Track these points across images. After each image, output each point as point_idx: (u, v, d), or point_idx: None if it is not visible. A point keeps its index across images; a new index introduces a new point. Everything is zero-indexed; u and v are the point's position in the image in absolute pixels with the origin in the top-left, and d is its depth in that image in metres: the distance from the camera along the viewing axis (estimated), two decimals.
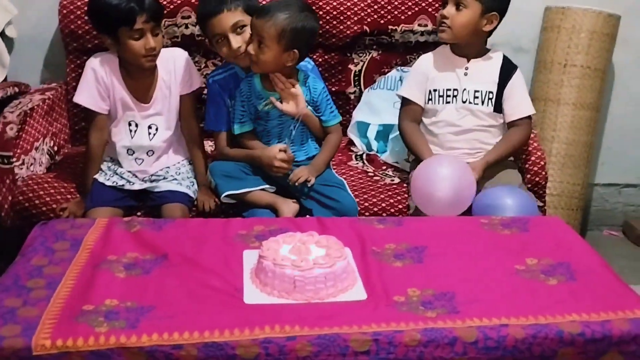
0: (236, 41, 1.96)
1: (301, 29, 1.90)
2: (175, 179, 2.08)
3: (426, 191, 1.90)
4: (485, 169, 2.04)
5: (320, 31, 2.34)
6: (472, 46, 2.11)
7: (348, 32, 2.50)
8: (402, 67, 2.54)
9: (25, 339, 1.19)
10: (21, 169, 2.11)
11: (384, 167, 2.35)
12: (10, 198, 2.08)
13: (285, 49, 1.90)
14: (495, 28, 2.09)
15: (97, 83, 2.02)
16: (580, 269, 1.50)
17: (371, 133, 2.47)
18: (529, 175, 2.21)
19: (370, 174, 2.30)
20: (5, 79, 2.47)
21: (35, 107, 2.24)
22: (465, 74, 2.11)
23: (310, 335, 1.24)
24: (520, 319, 1.31)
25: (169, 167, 2.13)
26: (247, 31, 1.97)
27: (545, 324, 1.29)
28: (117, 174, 2.08)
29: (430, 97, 2.13)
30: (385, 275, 1.46)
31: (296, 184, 1.94)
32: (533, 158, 2.22)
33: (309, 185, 1.95)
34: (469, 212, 1.95)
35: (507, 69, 2.12)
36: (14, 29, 2.53)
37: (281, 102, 1.98)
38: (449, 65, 2.13)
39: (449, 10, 2.04)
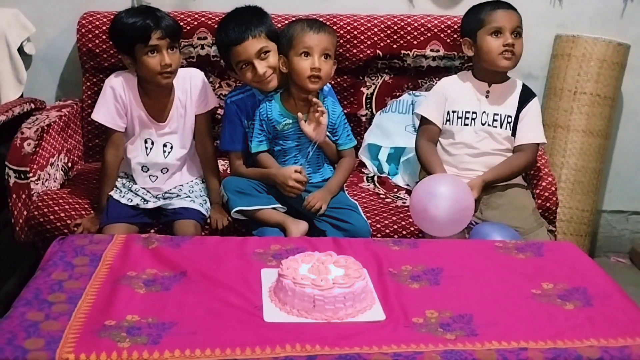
0: (262, 66, 1.99)
1: None
2: (189, 197, 2.10)
3: (422, 209, 1.91)
4: (484, 187, 2.06)
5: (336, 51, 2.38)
6: (499, 72, 2.15)
7: (361, 55, 2.53)
8: (413, 91, 2.57)
9: (49, 352, 1.20)
10: (37, 184, 2.13)
11: (395, 190, 2.37)
12: (25, 213, 2.09)
13: (334, 59, 1.99)
14: None
15: (116, 101, 2.05)
16: (596, 294, 1.51)
17: (382, 155, 2.50)
18: (539, 201, 2.22)
19: (381, 196, 2.31)
20: (21, 95, 2.50)
21: (52, 123, 2.26)
22: (487, 97, 2.15)
23: (331, 354, 1.25)
24: (539, 342, 1.31)
25: (182, 185, 2.15)
26: (271, 56, 2.00)
27: (564, 348, 1.30)
28: (131, 190, 2.10)
29: (448, 118, 2.16)
30: (402, 296, 1.47)
31: (311, 210, 1.95)
32: (544, 184, 2.24)
33: (320, 213, 1.96)
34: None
35: (526, 95, 2.17)
36: (32, 46, 2.56)
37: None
38: (470, 89, 2.17)
39: (513, 39, 2.08)
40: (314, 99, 1.97)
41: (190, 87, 2.12)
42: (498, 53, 2.08)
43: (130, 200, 2.06)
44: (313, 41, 1.93)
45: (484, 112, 2.13)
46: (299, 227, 1.94)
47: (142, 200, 2.08)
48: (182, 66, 2.42)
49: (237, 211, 1.98)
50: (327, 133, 2.04)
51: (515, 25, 2.09)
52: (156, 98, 2.08)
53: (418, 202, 1.93)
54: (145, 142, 2.11)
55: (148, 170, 2.12)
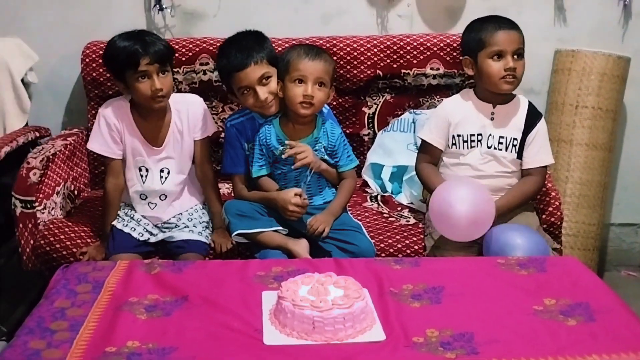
0: (263, 92, 2.01)
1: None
2: (187, 226, 2.10)
3: (444, 208, 1.89)
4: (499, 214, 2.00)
5: (335, 75, 2.40)
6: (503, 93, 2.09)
7: (361, 76, 2.55)
8: (414, 110, 2.58)
9: None
10: (43, 213, 2.15)
11: (399, 208, 2.37)
12: (32, 242, 2.12)
13: (331, 86, 2.01)
14: None
15: (109, 129, 2.06)
16: (599, 309, 1.49)
17: (385, 174, 2.50)
18: (544, 216, 2.21)
19: (385, 215, 2.31)
20: (26, 124, 2.53)
21: (58, 152, 2.30)
22: (492, 119, 2.10)
23: None
24: (540, 359, 1.30)
25: (181, 214, 2.15)
26: (272, 81, 2.02)
27: None
28: (133, 219, 2.11)
29: (454, 142, 2.12)
30: (403, 315, 1.46)
31: (314, 234, 1.96)
32: (548, 198, 2.23)
33: (323, 236, 1.97)
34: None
35: (532, 117, 2.11)
36: (35, 75, 2.59)
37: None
38: (474, 111, 2.12)
39: (515, 62, 2.02)
40: (286, 152, 1.98)
41: (188, 115, 2.12)
42: (499, 77, 2.02)
43: (133, 229, 2.08)
44: (307, 69, 1.94)
45: (490, 135, 2.09)
46: (301, 245, 1.95)
47: (145, 230, 2.09)
48: (184, 91, 2.47)
49: (238, 234, 1.99)
50: (326, 157, 2.06)
51: (517, 47, 2.03)
52: (151, 121, 2.09)
53: (438, 206, 1.92)
54: (140, 170, 2.12)
55: (146, 197, 2.13)
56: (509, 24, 2.08)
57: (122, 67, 1.98)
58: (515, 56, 2.04)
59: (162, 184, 2.12)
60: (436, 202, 1.95)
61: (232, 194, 2.23)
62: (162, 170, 2.12)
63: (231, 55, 2.02)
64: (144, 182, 2.12)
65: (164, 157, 2.12)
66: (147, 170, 2.12)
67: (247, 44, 2.03)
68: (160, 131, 2.11)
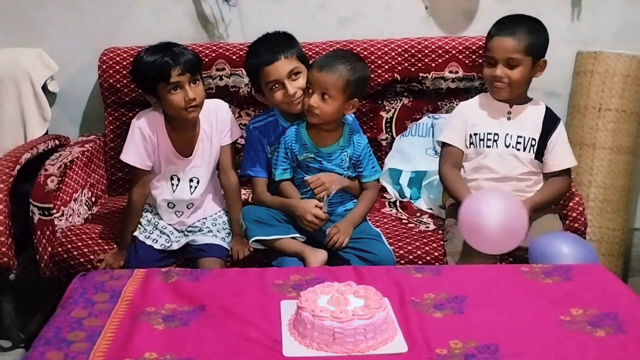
0: (292, 87, 2.00)
1: (363, 78, 1.99)
2: (211, 231, 2.09)
3: (475, 221, 1.85)
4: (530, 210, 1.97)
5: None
6: (519, 94, 2.11)
7: (379, 80, 2.52)
8: (433, 114, 2.55)
9: None
10: (60, 220, 2.15)
11: (418, 214, 2.33)
12: (49, 249, 2.11)
13: (348, 98, 1.96)
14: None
15: (144, 141, 2.04)
16: (628, 320, 1.45)
17: (404, 180, 2.47)
18: (567, 221, 2.17)
19: (404, 221, 2.28)
20: (46, 132, 2.55)
21: (75, 159, 2.29)
22: (509, 119, 2.10)
23: None
24: None
25: (205, 219, 2.14)
26: (301, 78, 2.01)
27: None
28: (157, 228, 2.09)
29: (471, 141, 2.12)
30: (425, 326, 1.43)
31: (334, 247, 1.93)
32: (571, 204, 2.18)
33: (343, 247, 1.94)
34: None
35: (551, 120, 2.11)
36: (56, 84, 2.61)
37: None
38: (491, 111, 2.13)
39: (504, 70, 2.03)
40: (306, 180, 1.98)
41: (217, 119, 2.11)
42: (490, 83, 2.09)
43: (155, 241, 2.06)
44: (313, 79, 1.94)
45: (507, 133, 2.09)
46: (317, 256, 1.91)
47: (167, 239, 2.07)
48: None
49: (255, 240, 1.97)
50: (347, 172, 2.03)
51: (506, 57, 2.02)
52: (183, 132, 2.07)
53: (468, 218, 1.88)
54: (172, 179, 2.10)
55: (174, 206, 2.12)
56: (508, 30, 2.04)
57: (153, 81, 1.95)
58: (508, 65, 2.03)
59: (192, 193, 2.10)
60: (467, 214, 1.90)
61: (250, 200, 2.21)
62: (191, 180, 2.11)
63: (261, 50, 2.03)
64: (174, 192, 2.10)
65: (193, 167, 2.10)
66: (178, 179, 2.10)
67: (277, 41, 2.04)
68: (191, 141, 2.09)
